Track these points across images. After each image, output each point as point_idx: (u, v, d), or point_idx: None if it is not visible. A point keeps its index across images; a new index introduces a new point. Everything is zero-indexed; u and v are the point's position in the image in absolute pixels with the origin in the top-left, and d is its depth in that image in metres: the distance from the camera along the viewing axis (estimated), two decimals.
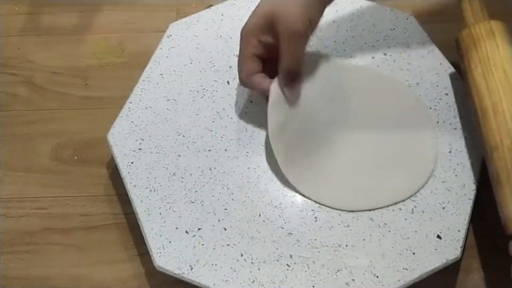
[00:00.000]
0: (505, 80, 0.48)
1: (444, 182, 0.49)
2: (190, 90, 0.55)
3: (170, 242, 0.47)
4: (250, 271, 0.46)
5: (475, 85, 0.49)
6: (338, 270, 0.45)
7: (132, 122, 0.53)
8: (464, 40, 0.52)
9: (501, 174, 0.45)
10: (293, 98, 0.50)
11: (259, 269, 0.46)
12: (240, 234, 0.48)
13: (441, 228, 0.47)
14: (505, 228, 0.44)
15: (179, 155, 0.52)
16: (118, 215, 0.53)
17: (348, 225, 0.47)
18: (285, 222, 0.48)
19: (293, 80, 0.49)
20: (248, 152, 0.52)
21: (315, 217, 0.48)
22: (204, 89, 0.55)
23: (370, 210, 0.48)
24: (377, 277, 0.45)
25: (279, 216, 0.49)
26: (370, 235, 0.47)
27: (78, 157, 0.56)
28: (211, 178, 0.50)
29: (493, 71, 0.49)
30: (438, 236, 0.46)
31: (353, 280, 0.45)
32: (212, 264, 0.46)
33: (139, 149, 0.52)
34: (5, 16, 0.66)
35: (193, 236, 0.47)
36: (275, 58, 0.48)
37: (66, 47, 0.63)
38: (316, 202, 0.49)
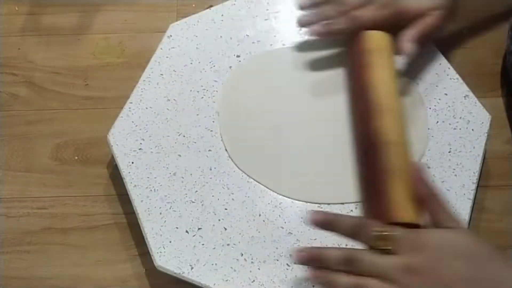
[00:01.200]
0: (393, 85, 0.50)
1: (444, 182, 0.49)
2: (191, 90, 0.55)
3: (170, 241, 0.47)
4: (250, 271, 0.46)
5: (374, 83, 0.50)
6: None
7: (133, 122, 0.53)
8: (368, 41, 0.52)
9: (392, 165, 0.45)
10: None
11: (259, 268, 0.46)
12: (240, 233, 0.48)
13: None
14: (387, 216, 0.43)
15: (180, 155, 0.52)
16: (119, 215, 0.53)
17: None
18: (285, 222, 0.48)
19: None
20: None
21: None
22: (204, 89, 0.56)
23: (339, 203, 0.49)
24: None
25: (279, 216, 0.49)
26: None
27: (79, 157, 0.56)
28: (211, 178, 0.51)
29: (389, 75, 0.50)
30: None
31: None
32: (212, 264, 0.46)
33: (140, 149, 0.52)
34: (5, 16, 0.66)
35: (193, 235, 0.48)
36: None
37: (66, 47, 0.63)
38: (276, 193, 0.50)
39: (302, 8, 0.56)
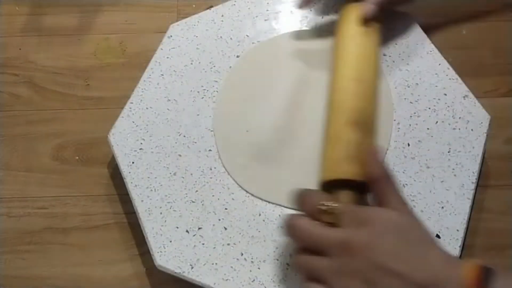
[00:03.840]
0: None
1: (443, 181, 0.49)
2: (191, 91, 0.56)
3: (170, 241, 0.47)
4: (250, 270, 0.46)
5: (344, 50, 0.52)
6: None
7: (133, 122, 0.53)
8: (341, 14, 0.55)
9: (331, 129, 0.47)
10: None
11: (259, 268, 0.46)
12: (240, 233, 0.48)
13: (440, 228, 0.47)
14: (323, 174, 0.45)
15: (180, 155, 0.52)
16: (119, 215, 0.53)
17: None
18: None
19: None
20: None
21: None
22: (204, 89, 0.56)
23: None
24: None
25: (279, 215, 0.49)
26: None
27: (79, 157, 0.56)
28: (211, 178, 0.51)
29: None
30: (437, 236, 0.47)
31: None
32: (213, 263, 0.46)
33: (140, 149, 0.52)
34: (6, 16, 0.66)
35: (194, 235, 0.48)
36: None
37: (67, 48, 0.63)
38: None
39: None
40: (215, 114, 0.54)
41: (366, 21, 0.52)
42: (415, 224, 0.39)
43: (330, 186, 0.44)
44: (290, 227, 0.41)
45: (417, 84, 0.55)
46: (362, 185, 0.42)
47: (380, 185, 0.41)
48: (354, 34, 0.52)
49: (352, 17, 0.53)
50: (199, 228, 0.48)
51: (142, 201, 0.49)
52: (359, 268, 0.36)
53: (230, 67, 0.57)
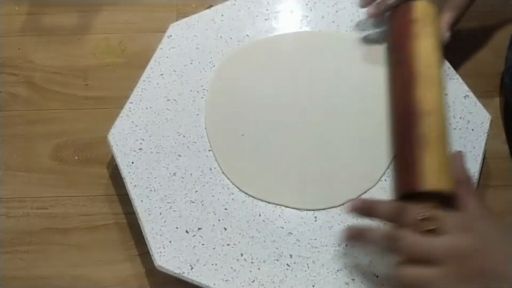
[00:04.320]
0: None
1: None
2: (191, 90, 0.55)
3: (170, 242, 0.47)
4: (250, 271, 0.46)
5: (419, 51, 0.50)
6: (338, 270, 0.46)
7: (133, 122, 0.53)
8: (416, 11, 0.52)
9: (429, 136, 0.45)
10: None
11: (259, 268, 0.46)
12: (240, 233, 0.48)
13: None
14: (418, 183, 0.43)
15: (180, 155, 0.52)
16: (119, 215, 0.53)
17: (348, 225, 0.47)
18: (285, 222, 0.48)
19: None
20: None
21: (315, 217, 0.48)
22: (204, 89, 0.56)
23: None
24: (377, 277, 0.45)
25: (279, 216, 0.49)
26: None
27: (79, 157, 0.56)
28: (211, 178, 0.51)
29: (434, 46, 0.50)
30: None
31: (353, 280, 0.45)
32: (212, 264, 0.46)
33: (140, 149, 0.52)
34: (5, 16, 0.66)
35: (193, 235, 0.48)
36: None
37: (66, 47, 0.63)
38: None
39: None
40: (207, 119, 0.53)
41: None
42: (504, 227, 0.39)
43: (410, 197, 0.42)
44: (392, 240, 0.39)
45: None
46: (446, 196, 0.42)
47: (463, 189, 0.41)
48: (427, 34, 0.51)
49: (432, 19, 0.51)
50: (199, 229, 0.48)
51: (141, 201, 0.49)
52: (472, 273, 0.36)
53: (214, 66, 0.57)
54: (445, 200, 0.41)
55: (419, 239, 0.38)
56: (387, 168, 0.50)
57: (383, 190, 0.49)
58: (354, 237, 0.43)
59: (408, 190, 0.43)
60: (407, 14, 0.52)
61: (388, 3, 0.55)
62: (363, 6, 0.57)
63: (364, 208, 0.42)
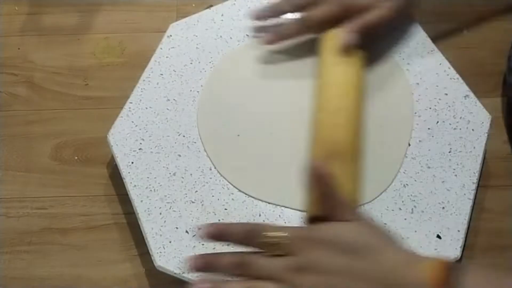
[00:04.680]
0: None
1: (444, 182, 0.49)
2: (190, 90, 0.55)
3: (170, 242, 0.47)
4: None
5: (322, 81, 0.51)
6: None
7: (133, 122, 0.53)
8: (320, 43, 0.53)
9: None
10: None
11: None
12: None
13: (441, 228, 0.47)
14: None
15: (179, 155, 0.52)
16: (118, 215, 0.53)
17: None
18: (285, 222, 0.48)
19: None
20: None
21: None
22: (203, 89, 0.55)
23: None
24: None
25: (279, 216, 0.49)
26: None
27: (78, 157, 0.56)
28: (211, 178, 0.50)
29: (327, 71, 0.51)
30: (438, 236, 0.47)
31: None
32: None
33: (140, 149, 0.52)
34: (5, 16, 0.66)
35: (193, 236, 0.48)
36: None
37: (66, 47, 0.63)
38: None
39: (255, 18, 0.56)
40: (200, 121, 0.53)
41: (347, 49, 0.51)
42: (365, 232, 0.39)
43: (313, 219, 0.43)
44: (241, 267, 0.40)
45: (417, 83, 0.55)
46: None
47: (326, 200, 0.41)
48: (334, 63, 0.51)
49: (331, 44, 0.52)
50: (199, 229, 0.48)
51: (141, 201, 0.49)
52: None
53: (214, 66, 0.57)
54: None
55: (266, 262, 0.39)
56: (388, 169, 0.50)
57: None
58: (201, 267, 0.40)
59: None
60: (320, 45, 0.53)
61: (286, 32, 0.54)
62: (256, 34, 0.56)
63: (216, 233, 0.41)
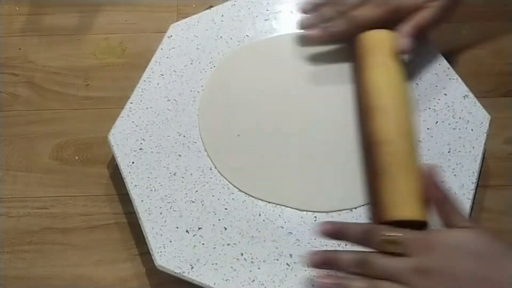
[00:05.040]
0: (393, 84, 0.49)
1: (443, 182, 0.49)
2: (191, 91, 0.56)
3: (170, 241, 0.47)
4: (250, 270, 0.46)
5: (369, 83, 0.50)
6: None
7: (133, 122, 0.53)
8: (365, 41, 0.52)
9: (386, 165, 0.45)
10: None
11: (259, 268, 0.46)
12: (240, 233, 0.48)
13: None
14: (380, 215, 0.44)
15: (180, 155, 0.52)
16: (119, 215, 0.53)
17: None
18: (285, 222, 0.48)
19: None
20: None
21: (315, 217, 0.49)
22: (204, 89, 0.56)
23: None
24: None
25: (279, 215, 0.49)
26: None
27: (79, 157, 0.56)
28: (211, 178, 0.51)
29: (386, 74, 0.50)
30: None
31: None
32: (213, 263, 0.46)
33: (140, 149, 0.52)
34: (6, 16, 0.66)
35: (194, 235, 0.48)
36: None
37: (67, 48, 0.63)
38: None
39: (303, 12, 0.56)
40: (200, 121, 0.53)
41: (404, 53, 0.51)
42: (486, 240, 0.38)
43: (391, 224, 0.43)
44: (360, 265, 0.40)
45: (417, 84, 0.55)
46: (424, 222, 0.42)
47: (443, 207, 0.41)
48: (386, 63, 0.50)
49: (381, 46, 0.51)
50: (199, 228, 0.48)
51: (142, 201, 0.49)
52: None
53: (214, 66, 0.57)
54: (422, 224, 0.42)
55: (386, 263, 0.39)
56: None
57: None
58: (323, 263, 0.41)
59: (378, 221, 0.44)
60: (357, 46, 0.52)
61: (334, 29, 0.54)
62: (304, 27, 0.56)
63: (334, 231, 0.42)
